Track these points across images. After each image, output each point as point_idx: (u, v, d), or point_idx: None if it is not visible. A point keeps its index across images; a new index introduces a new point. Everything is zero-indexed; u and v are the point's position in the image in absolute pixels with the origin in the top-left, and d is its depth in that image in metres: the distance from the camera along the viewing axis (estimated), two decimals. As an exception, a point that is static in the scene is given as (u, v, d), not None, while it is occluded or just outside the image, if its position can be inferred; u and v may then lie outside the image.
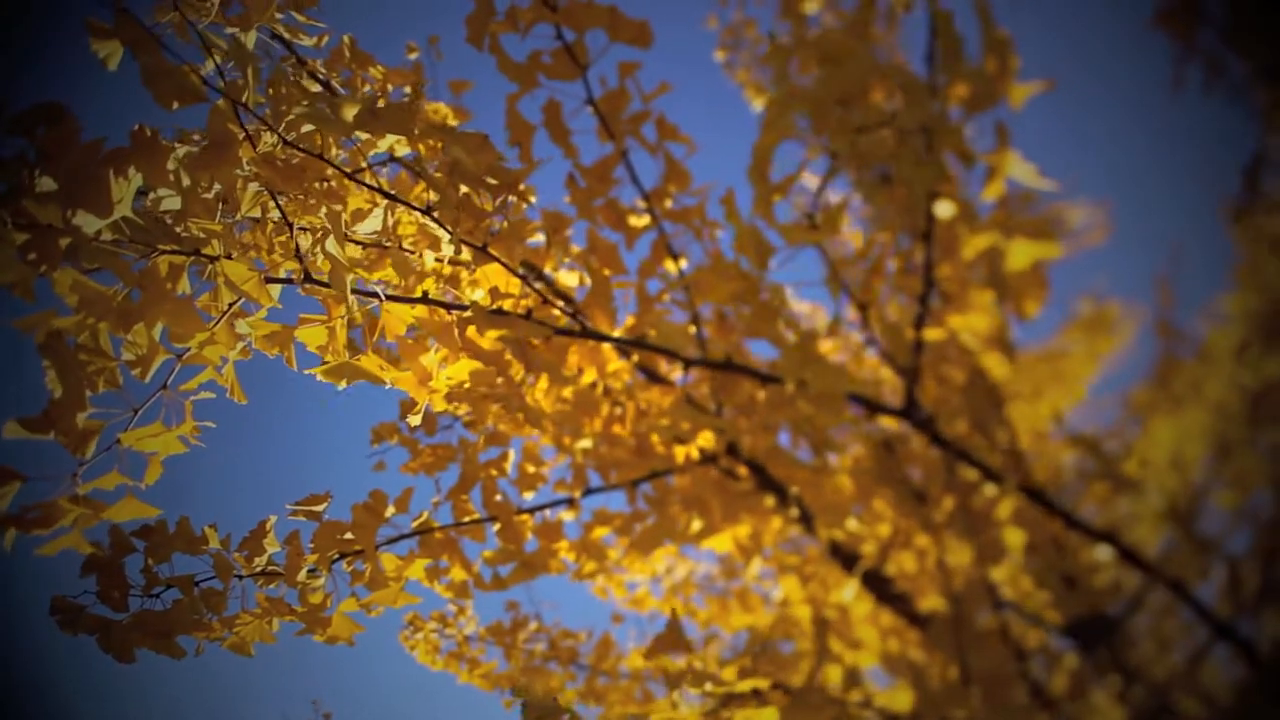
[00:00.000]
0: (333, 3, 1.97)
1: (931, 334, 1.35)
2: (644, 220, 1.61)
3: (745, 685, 1.29)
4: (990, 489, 1.25)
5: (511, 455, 1.92)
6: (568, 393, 1.83)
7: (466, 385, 1.14)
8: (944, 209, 1.19)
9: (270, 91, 1.77)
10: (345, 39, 2.00)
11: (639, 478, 1.81)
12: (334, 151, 1.24)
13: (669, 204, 1.60)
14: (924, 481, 1.25)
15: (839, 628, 1.67)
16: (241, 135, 1.16)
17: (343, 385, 1.13)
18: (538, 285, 1.88)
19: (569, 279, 1.92)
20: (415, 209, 1.04)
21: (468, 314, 1.08)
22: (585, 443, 1.82)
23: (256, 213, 1.20)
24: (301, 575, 1.82)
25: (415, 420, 1.17)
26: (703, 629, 3.31)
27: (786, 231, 1.03)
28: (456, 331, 1.10)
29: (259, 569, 1.81)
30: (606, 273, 1.60)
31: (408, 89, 2.09)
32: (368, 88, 2.06)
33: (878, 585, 1.64)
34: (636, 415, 1.58)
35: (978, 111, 1.15)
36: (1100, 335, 4.72)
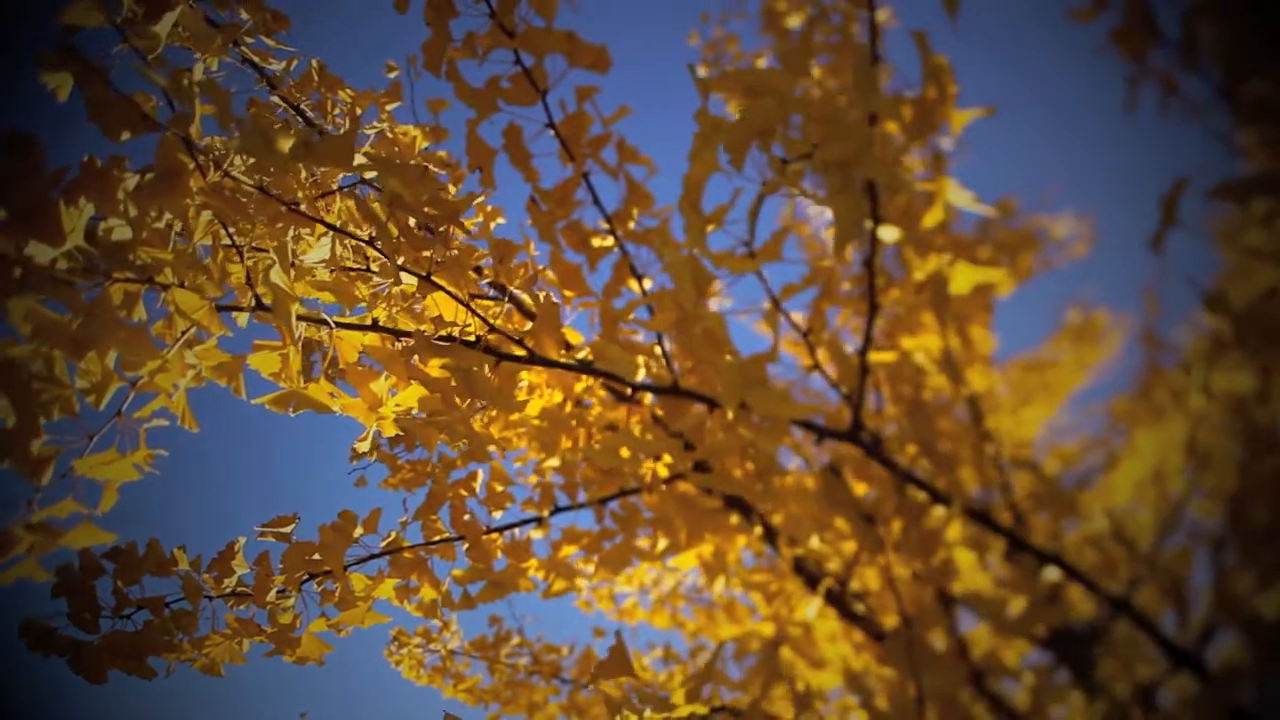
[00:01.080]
0: (309, 28, 1.99)
1: (882, 356, 1.37)
2: (607, 241, 1.62)
3: (686, 710, 1.30)
4: (939, 511, 1.26)
5: (480, 475, 1.93)
6: (534, 410, 1.84)
7: (414, 411, 1.15)
8: (888, 234, 1.20)
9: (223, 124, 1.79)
10: (313, 63, 2.01)
11: (606, 496, 1.82)
12: (304, 175, 1.25)
13: (632, 225, 1.62)
14: (874, 503, 1.26)
15: (801, 646, 1.68)
16: (192, 165, 1.18)
17: (291, 414, 1.14)
18: (495, 309, 1.89)
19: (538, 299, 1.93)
20: (357, 239, 1.05)
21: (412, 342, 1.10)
22: (554, 461, 1.83)
23: (209, 241, 1.21)
24: (271, 596, 1.83)
25: (363, 448, 1.18)
26: (690, 640, 3.31)
27: (719, 260, 1.04)
28: (403, 359, 1.11)
29: (229, 590, 1.82)
30: (568, 293, 1.61)
31: (382, 116, 2.11)
32: (338, 110, 2.08)
33: (841, 603, 1.65)
34: (601, 434, 1.59)
35: (918, 139, 1.17)
36: (1088, 344, 4.74)
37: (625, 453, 1.27)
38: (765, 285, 1.20)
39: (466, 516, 1.87)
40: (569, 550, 1.87)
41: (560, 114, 1.58)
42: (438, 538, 1.91)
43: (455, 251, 1.09)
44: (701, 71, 3.92)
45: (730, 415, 1.11)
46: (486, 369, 1.21)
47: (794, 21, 3.70)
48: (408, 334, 1.11)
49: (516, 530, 1.93)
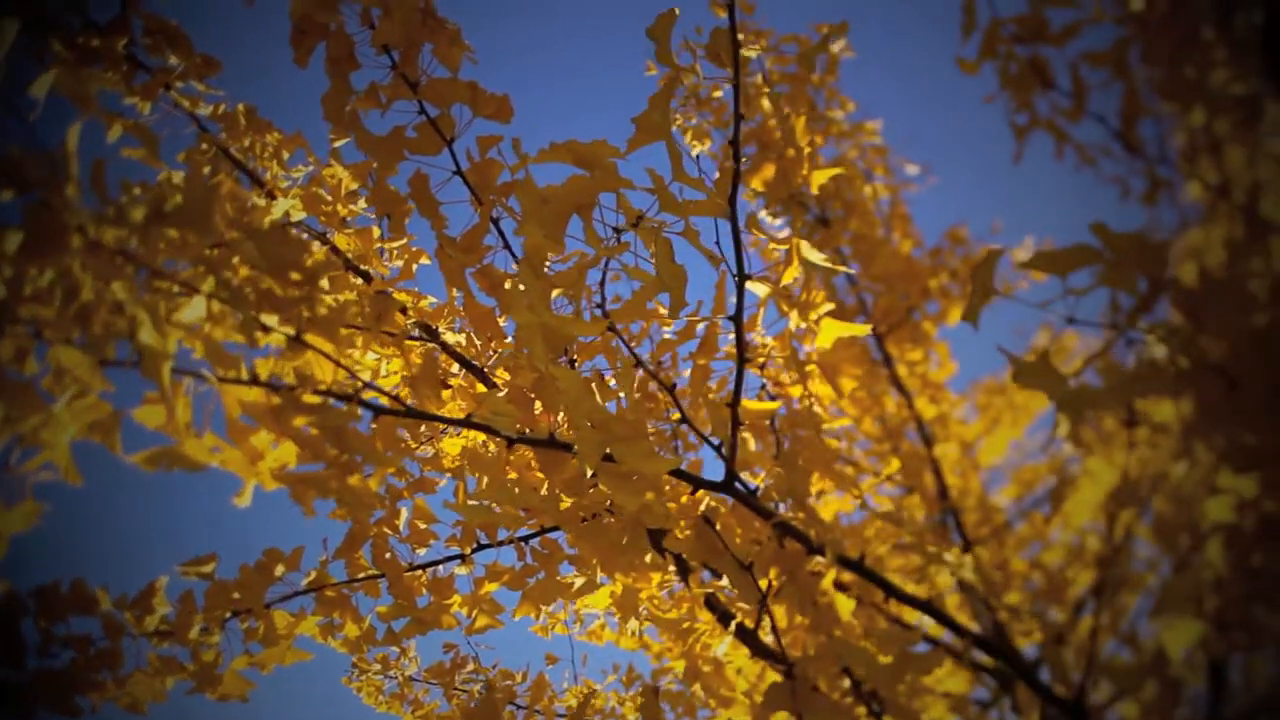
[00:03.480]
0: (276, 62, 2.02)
1: (764, 406, 1.39)
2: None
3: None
4: (816, 560, 1.27)
5: (404, 513, 1.95)
6: (454, 449, 1.86)
7: (290, 467, 1.17)
8: (758, 288, 1.22)
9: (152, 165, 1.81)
10: (239, 107, 2.05)
11: (528, 535, 1.84)
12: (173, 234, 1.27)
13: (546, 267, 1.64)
14: (750, 553, 1.28)
15: (710, 682, 1.69)
16: (74, 225, 1.20)
17: (166, 471, 1.16)
18: (419, 350, 1.91)
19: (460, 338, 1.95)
20: (219, 299, 1.07)
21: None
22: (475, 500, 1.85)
23: (91, 297, 1.23)
24: (194, 634, 1.85)
25: (242, 502, 1.20)
26: (654, 663, 3.32)
27: (563, 325, 1.06)
28: (273, 416, 1.13)
29: (152, 629, 1.84)
30: (482, 336, 1.63)
31: (310, 158, 2.13)
32: (267, 153, 2.10)
33: (752, 639, 1.66)
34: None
35: (779, 198, 1.19)
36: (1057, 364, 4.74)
37: (509, 508, 1.29)
38: (625, 343, 1.22)
39: (388, 554, 1.89)
40: (491, 587, 1.89)
41: (467, 161, 1.60)
42: (362, 574, 1.93)
43: (324, 311, 1.11)
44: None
45: (590, 473, 1.13)
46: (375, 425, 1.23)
47: (752, 53, 3.74)
48: (288, 387, 1.14)
49: (440, 567, 1.96)
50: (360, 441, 1.15)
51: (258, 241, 1.01)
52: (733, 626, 1.67)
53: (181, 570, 1.84)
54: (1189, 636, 1.60)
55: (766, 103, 3.76)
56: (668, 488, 1.34)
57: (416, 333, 2.00)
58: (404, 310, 2.01)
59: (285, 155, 1.98)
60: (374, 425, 1.26)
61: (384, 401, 1.21)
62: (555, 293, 1.05)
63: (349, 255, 1.98)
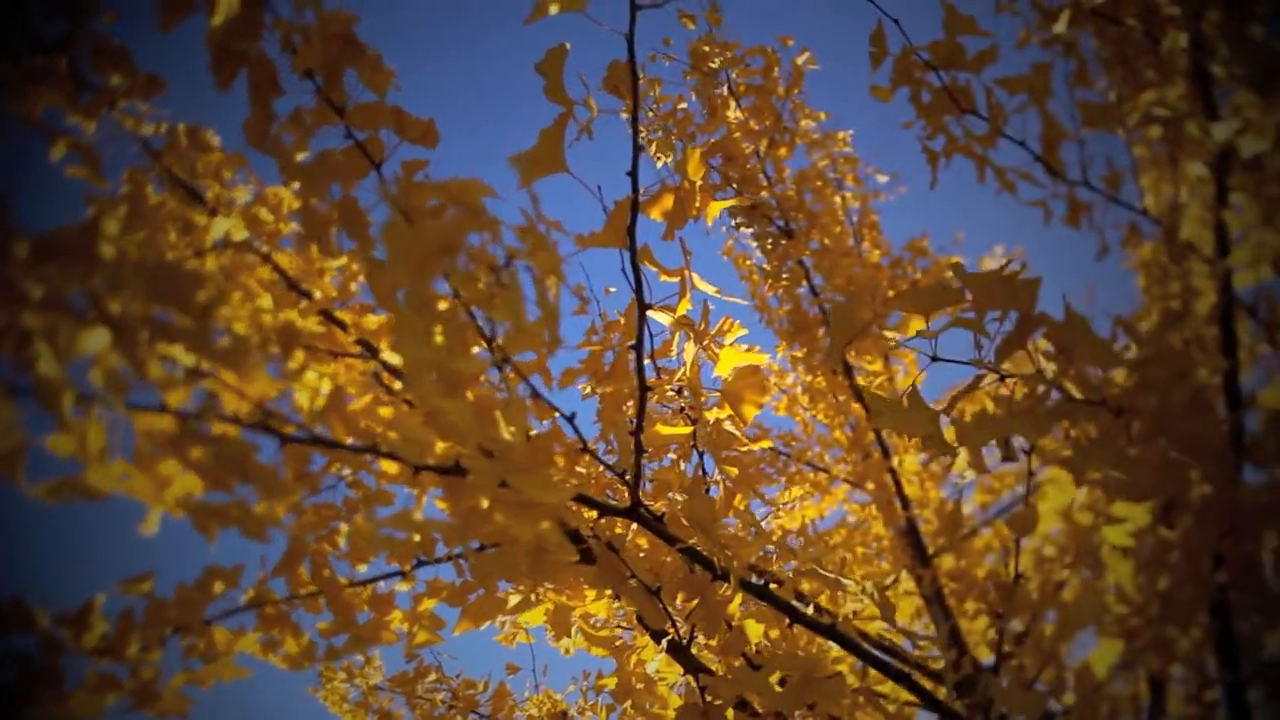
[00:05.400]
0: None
1: (672, 430, 1.40)
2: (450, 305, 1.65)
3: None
4: (722, 586, 1.29)
5: (344, 529, 1.96)
6: (392, 469, 1.87)
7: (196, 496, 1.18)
8: (663, 317, 1.23)
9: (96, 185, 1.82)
10: (180, 128, 2.06)
11: (465, 551, 1.85)
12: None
13: (479, 287, 1.65)
14: (658, 577, 1.29)
15: (640, 700, 1.71)
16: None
17: (68, 502, 1.17)
18: (363, 367, 1.92)
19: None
20: (110, 330, 1.08)
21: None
22: (416, 515, 1.86)
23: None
24: (133, 651, 1.87)
25: (149, 530, 1.21)
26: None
27: (451, 360, 1.07)
28: (173, 446, 1.14)
29: (90, 647, 1.86)
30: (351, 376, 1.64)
31: (250, 178, 2.14)
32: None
33: (685, 655, 1.68)
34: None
35: (677, 228, 1.20)
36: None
37: (416, 537, 1.30)
38: (516, 370, 1.23)
39: (326, 571, 1.90)
40: (431, 603, 1.90)
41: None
42: (302, 591, 1.94)
43: (227, 342, 1.12)
44: (624, 115, 3.93)
45: (485, 504, 1.14)
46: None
47: (718, 64, 3.75)
48: (188, 416, 1.15)
49: (381, 583, 1.97)
50: (261, 472, 1.16)
51: (146, 276, 1.02)
52: (664, 643, 1.69)
53: (120, 588, 1.86)
54: (1112, 655, 1.62)
55: (732, 114, 3.77)
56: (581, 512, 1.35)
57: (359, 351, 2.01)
58: (344, 327, 2.02)
59: (226, 175, 1.99)
60: (282, 453, 1.27)
61: (292, 429, 1.22)
62: (438, 330, 1.06)
63: (289, 274, 2.00)
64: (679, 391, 1.43)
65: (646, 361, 1.36)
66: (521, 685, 3.16)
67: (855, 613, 1.56)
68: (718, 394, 1.35)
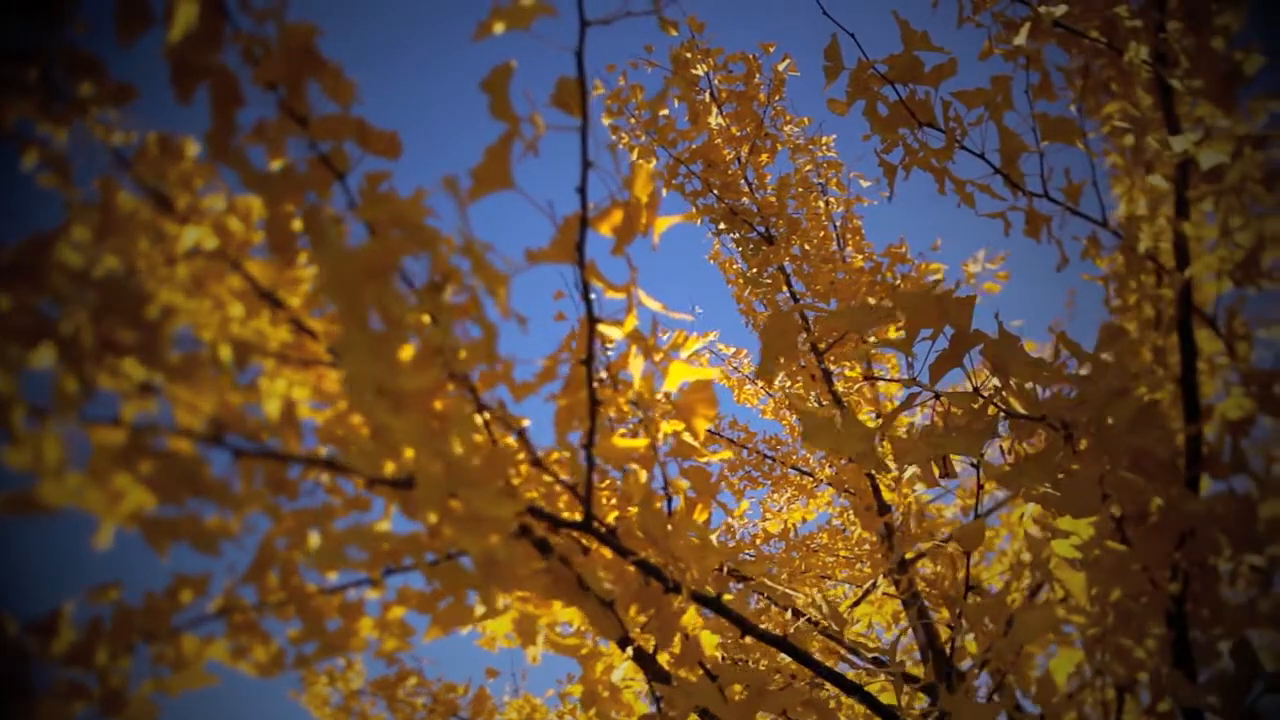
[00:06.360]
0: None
1: (627, 443, 1.40)
2: (424, 318, 1.66)
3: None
4: (676, 598, 1.30)
5: (314, 537, 1.97)
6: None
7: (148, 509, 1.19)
8: (612, 332, 1.24)
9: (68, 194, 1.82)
10: (149, 137, 2.06)
11: (435, 559, 1.86)
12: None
13: (448, 297, 1.66)
14: (627, 587, 1.29)
15: (606, 707, 1.71)
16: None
17: (17, 517, 1.18)
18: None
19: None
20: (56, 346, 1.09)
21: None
22: (385, 525, 1.87)
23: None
24: (102, 658, 1.87)
25: (102, 542, 1.22)
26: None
27: (396, 376, 1.08)
28: (127, 459, 1.15)
29: (61, 654, 1.86)
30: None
31: (220, 187, 2.14)
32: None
33: (650, 663, 1.68)
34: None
35: (625, 243, 1.21)
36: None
37: (385, 545, 1.30)
38: (473, 390, 1.24)
39: (296, 579, 1.91)
40: (400, 611, 1.90)
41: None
42: (272, 599, 1.95)
43: (178, 357, 1.13)
44: (605, 121, 3.94)
45: (433, 519, 1.15)
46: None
47: (701, 70, 3.76)
48: (138, 430, 1.15)
49: (350, 591, 1.97)
50: (214, 485, 1.16)
51: (97, 293, 1.03)
52: (630, 651, 1.69)
53: (88, 596, 1.86)
54: (1070, 665, 1.62)
55: (714, 120, 3.78)
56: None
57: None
58: (315, 336, 2.03)
59: (198, 184, 2.00)
60: (237, 465, 1.27)
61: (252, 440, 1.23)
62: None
63: (260, 283, 2.00)
64: (635, 405, 1.44)
65: (605, 375, 1.37)
66: (501, 689, 3.17)
67: (814, 622, 1.57)
68: (671, 407, 1.35)
